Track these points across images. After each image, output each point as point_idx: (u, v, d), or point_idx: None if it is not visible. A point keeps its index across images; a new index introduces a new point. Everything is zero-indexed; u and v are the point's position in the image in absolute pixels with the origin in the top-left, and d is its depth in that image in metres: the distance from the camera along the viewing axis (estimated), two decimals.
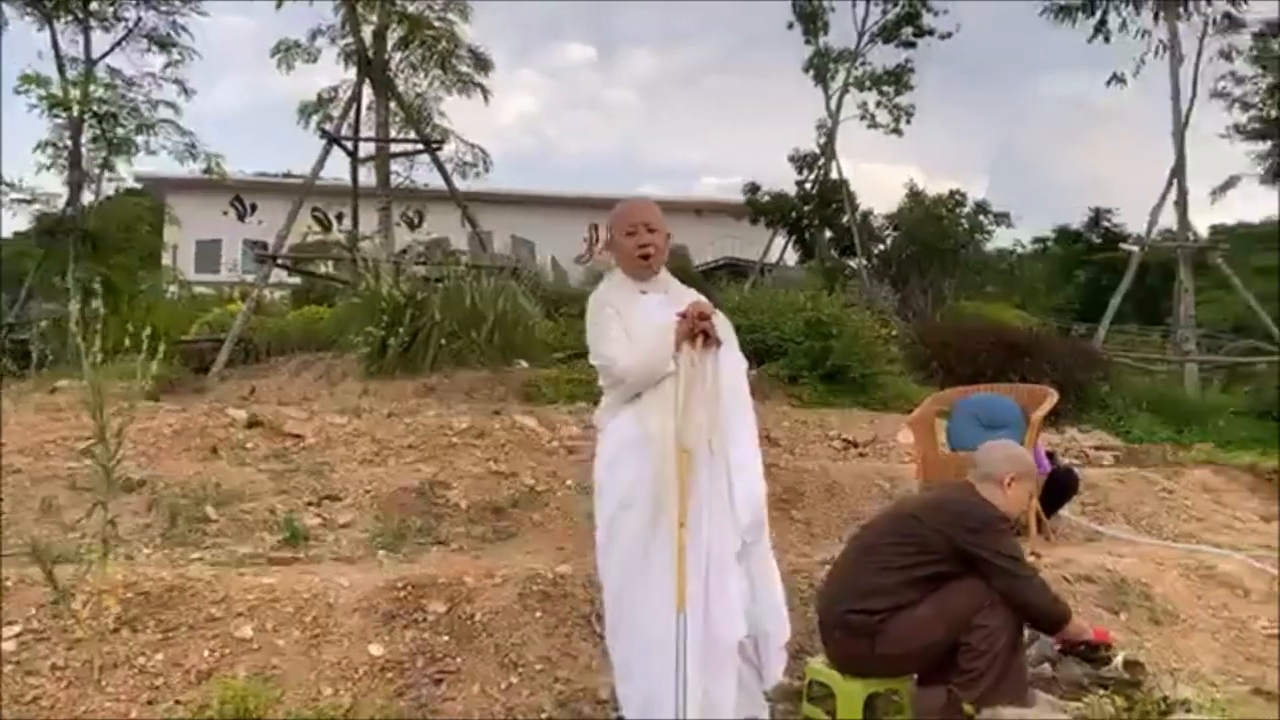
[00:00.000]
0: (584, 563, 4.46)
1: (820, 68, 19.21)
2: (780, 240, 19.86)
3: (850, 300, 12.08)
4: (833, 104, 19.08)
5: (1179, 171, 15.93)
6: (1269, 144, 27.81)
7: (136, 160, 16.00)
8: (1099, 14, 16.69)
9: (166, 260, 21.23)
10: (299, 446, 6.59)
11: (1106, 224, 26.68)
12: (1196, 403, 12.98)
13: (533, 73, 60.10)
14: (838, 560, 3.91)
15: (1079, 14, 16.92)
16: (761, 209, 19.52)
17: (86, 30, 15.22)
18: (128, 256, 16.47)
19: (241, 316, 10.82)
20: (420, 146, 13.77)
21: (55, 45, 15.01)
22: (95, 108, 14.78)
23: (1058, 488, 5.94)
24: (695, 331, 3.22)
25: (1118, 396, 11.48)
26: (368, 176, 14.10)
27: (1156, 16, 16.55)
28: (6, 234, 18.38)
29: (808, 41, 19.16)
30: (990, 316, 14.93)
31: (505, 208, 23.01)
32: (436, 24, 15.32)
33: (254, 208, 26.03)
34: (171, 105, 15.46)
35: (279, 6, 13.51)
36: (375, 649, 3.84)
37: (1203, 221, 28.48)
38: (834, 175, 19.09)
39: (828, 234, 19.54)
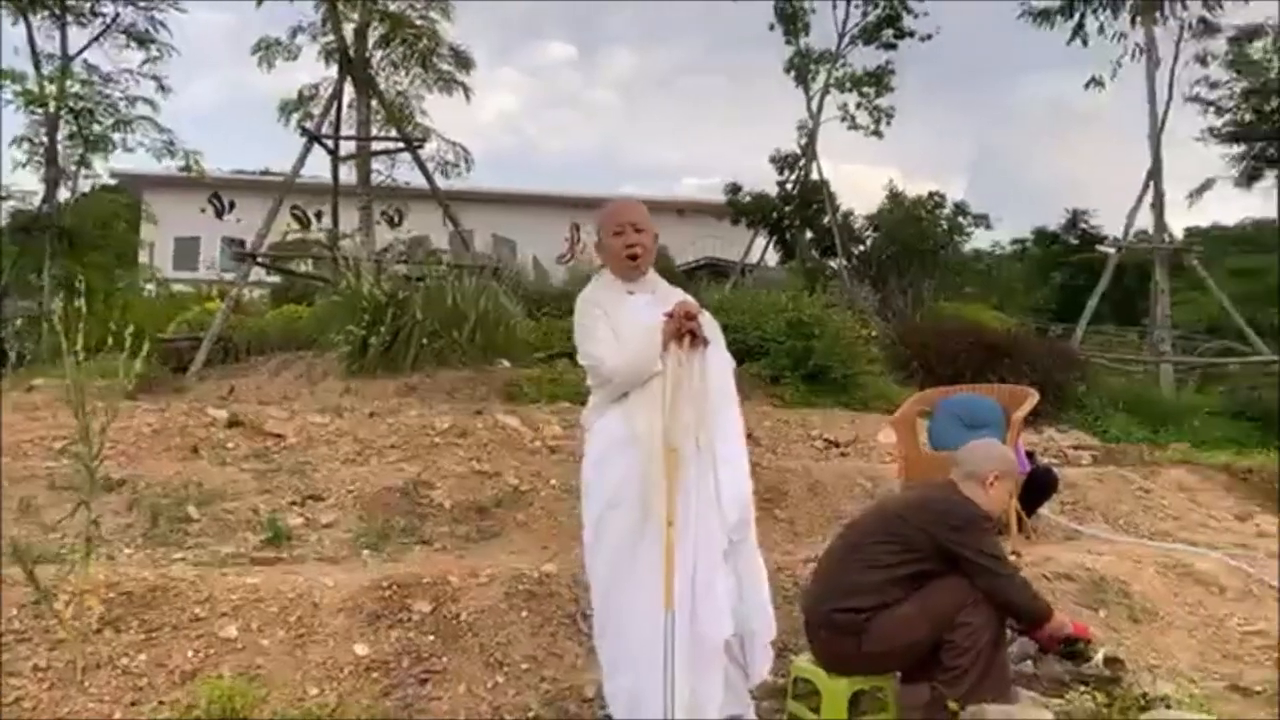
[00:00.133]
0: (569, 562, 4.47)
1: (801, 69, 19.25)
2: (761, 241, 19.89)
3: (831, 301, 12.13)
4: (813, 105, 19.15)
5: (1155, 174, 16.09)
6: (1243, 147, 28.20)
7: (113, 157, 15.92)
8: (1077, 17, 16.84)
9: (143, 258, 21.03)
10: (280, 446, 6.56)
11: (1084, 225, 26.90)
12: (1172, 403, 13.14)
13: (513, 71, 60.08)
14: (822, 559, 3.94)
15: (1057, 17, 17.08)
16: (742, 209, 19.57)
17: (63, 25, 15.11)
18: (104, 254, 16.37)
19: (220, 315, 10.74)
20: (401, 145, 13.72)
21: (31, 40, 14.90)
22: (72, 104, 14.69)
23: (1037, 487, 5.99)
24: (682, 331, 3.24)
25: (1095, 397, 11.60)
26: (348, 174, 14.05)
27: (1133, 20, 16.71)
28: None
29: (788, 42, 19.22)
30: (969, 317, 15.04)
31: (486, 206, 22.95)
32: (418, 22, 15.29)
33: (232, 205, 25.87)
34: (149, 102, 15.39)
35: (259, 5, 13.45)
36: (360, 649, 3.84)
37: (1178, 224, 28.79)
38: (815, 176, 19.16)
39: (808, 235, 19.60)
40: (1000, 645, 3.61)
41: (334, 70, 13.61)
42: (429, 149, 15.52)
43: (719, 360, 3.38)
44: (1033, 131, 59.22)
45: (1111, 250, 17.35)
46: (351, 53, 13.04)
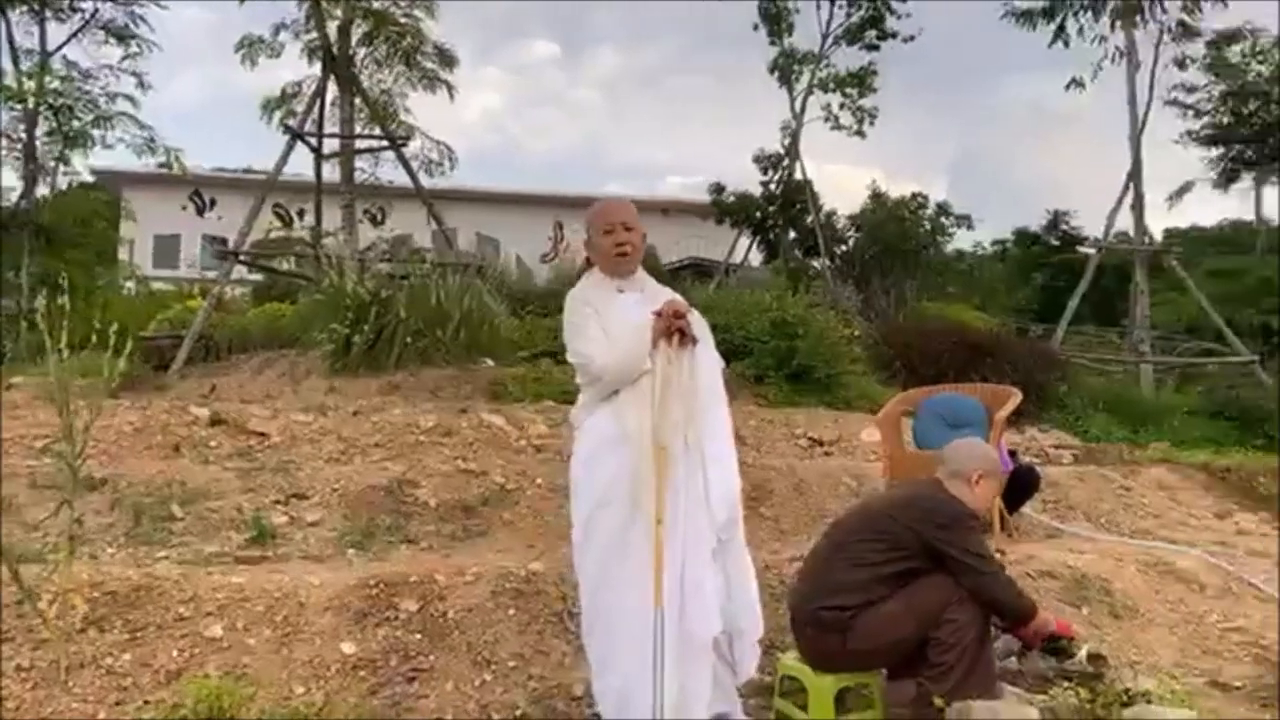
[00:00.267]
0: (556, 560, 4.48)
1: (785, 69, 19.29)
2: (745, 240, 19.93)
3: (814, 301, 12.17)
4: (797, 105, 19.18)
5: (1135, 175, 16.20)
6: (1221, 150, 28.51)
7: (93, 153, 15.79)
8: (1059, 19, 16.94)
9: (123, 255, 20.86)
10: (264, 445, 6.53)
11: (1064, 226, 27.06)
12: (1151, 403, 13.24)
13: (497, 70, 59.90)
14: (808, 558, 3.95)
15: (1039, 19, 17.17)
16: (726, 209, 19.60)
17: (42, 21, 15.00)
18: (83, 251, 16.24)
19: (202, 313, 10.69)
20: (385, 143, 13.67)
21: (9, 36, 14.77)
22: (50, 100, 14.55)
23: (1020, 486, 6.03)
24: (672, 329, 3.25)
25: (1075, 396, 11.69)
26: (331, 172, 14.00)
27: (1113, 24, 16.83)
28: None
29: (772, 43, 19.25)
30: (951, 317, 15.13)
31: (470, 205, 22.89)
32: (402, 19, 15.26)
33: (213, 203, 25.67)
34: (129, 98, 15.28)
35: (242, 2, 13.40)
36: (347, 647, 3.83)
37: (1157, 225, 29.10)
38: (798, 176, 19.21)
39: (792, 235, 19.65)
40: (985, 642, 3.64)
41: (317, 68, 13.57)
42: (413, 147, 15.54)
43: (708, 359, 3.40)
44: (1014, 133, 59.64)
45: (1092, 251, 17.45)
46: (335, 50, 13.00)
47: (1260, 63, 25.28)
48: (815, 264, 18.80)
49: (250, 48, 14.68)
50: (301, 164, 14.56)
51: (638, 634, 3.01)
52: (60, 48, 15.17)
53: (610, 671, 3.20)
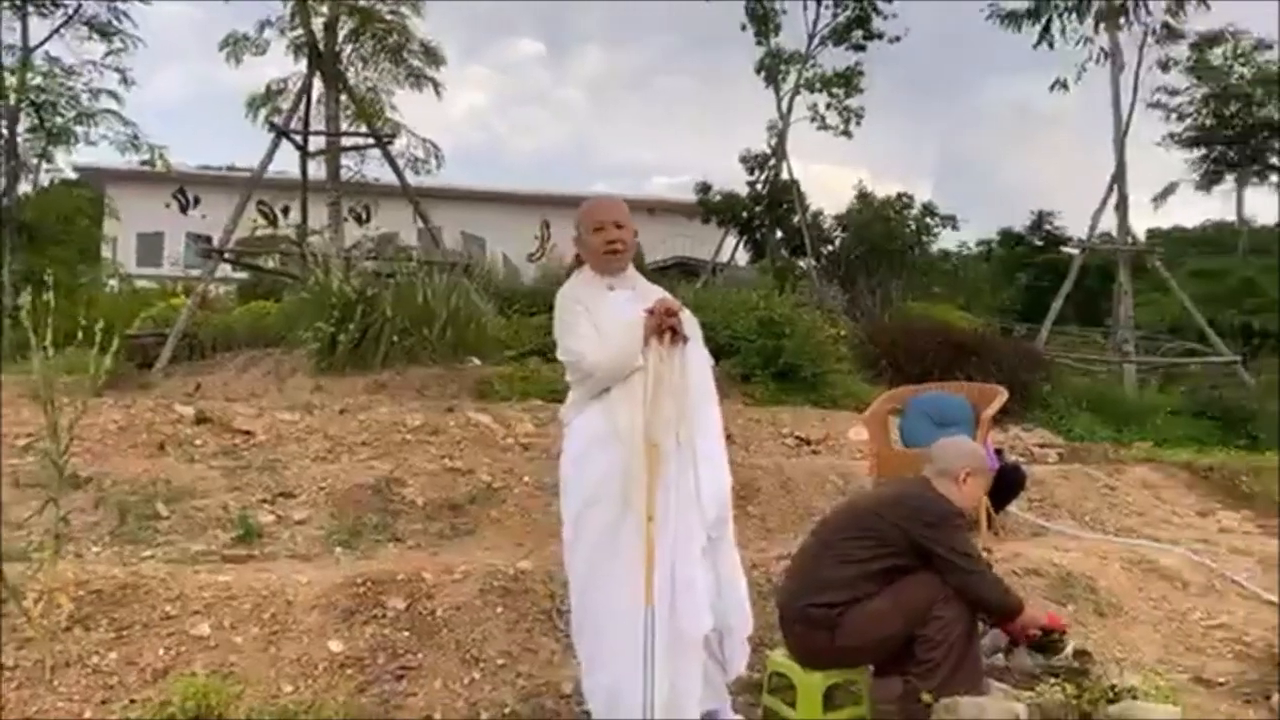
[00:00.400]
0: (544, 558, 4.48)
1: (771, 69, 19.34)
2: (731, 240, 19.97)
3: (801, 300, 12.21)
4: (784, 105, 19.24)
5: (1119, 176, 16.31)
6: (1203, 151, 28.75)
7: (76, 150, 15.69)
8: (1044, 20, 17.03)
9: (106, 253, 20.73)
10: (249, 443, 6.50)
11: (1048, 227, 27.21)
12: (1135, 402, 13.34)
13: (483, 68, 59.75)
14: (796, 556, 3.97)
15: (1024, 20, 17.26)
16: (713, 209, 19.63)
17: (24, 16, 14.88)
18: (66, 249, 16.14)
19: (186, 311, 10.62)
20: (371, 140, 13.62)
21: None
22: (33, 96, 14.45)
23: (1006, 484, 6.04)
24: (663, 327, 3.25)
25: (1059, 396, 11.77)
26: (317, 170, 13.94)
27: (1097, 25, 16.93)
28: None
29: (759, 43, 19.30)
30: (937, 317, 15.19)
31: (455, 203, 22.82)
32: (388, 16, 15.21)
33: (197, 201, 25.53)
34: (113, 94, 15.18)
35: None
36: (335, 645, 3.82)
37: (1141, 226, 29.31)
38: (785, 176, 19.26)
39: (778, 234, 19.70)
40: (972, 638, 3.66)
41: (303, 65, 13.50)
42: (399, 145, 15.49)
43: (699, 357, 3.40)
44: (999, 134, 59.90)
45: (1076, 251, 17.57)
46: (321, 47, 12.94)
47: (1243, 65, 25.53)
48: (801, 263, 18.85)
49: (235, 44, 14.62)
50: (287, 162, 14.57)
51: (628, 632, 3.01)
52: (43, 43, 15.08)
53: (600, 669, 3.19)
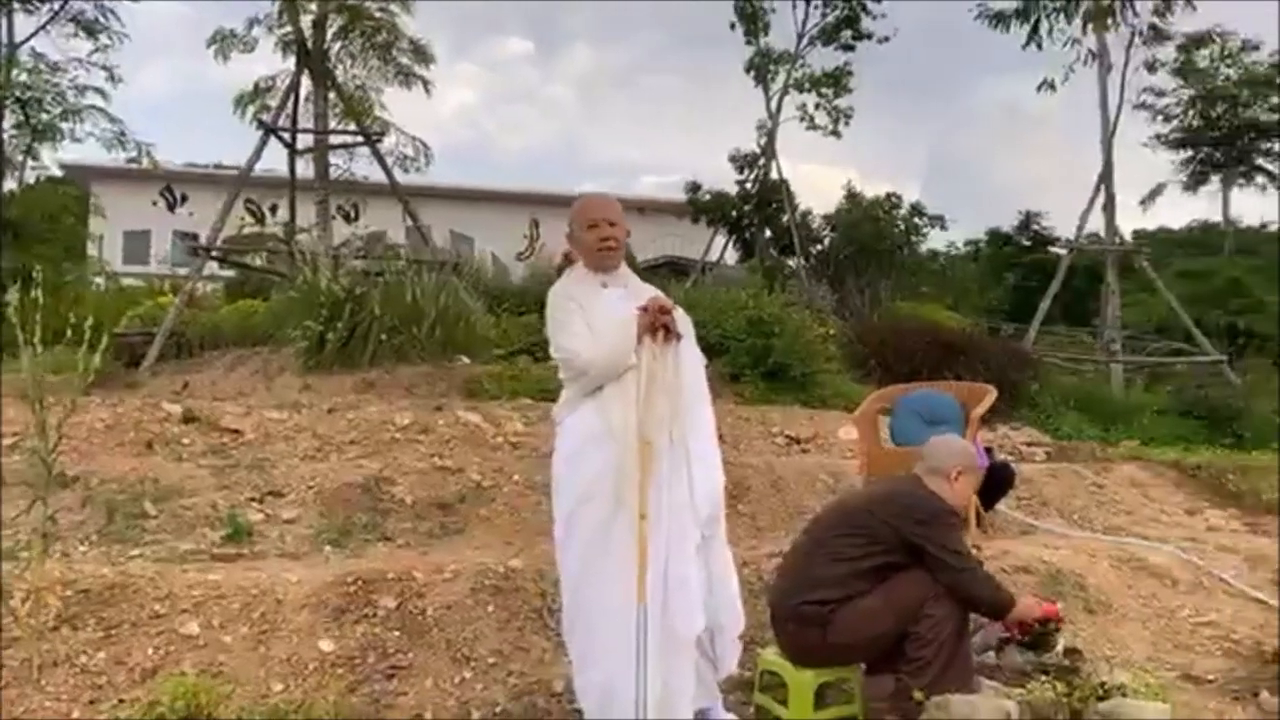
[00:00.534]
0: (534, 557, 4.47)
1: (761, 69, 19.32)
2: (721, 239, 19.97)
3: (790, 299, 12.22)
4: (773, 105, 19.21)
5: (1107, 177, 16.36)
6: (1190, 152, 28.92)
7: (62, 147, 15.60)
8: (1033, 21, 17.07)
9: (92, 251, 20.59)
10: (238, 442, 6.47)
11: (1036, 227, 27.30)
12: (1121, 401, 13.41)
13: (472, 66, 59.65)
14: (788, 554, 3.97)
15: (1013, 20, 17.30)
16: (702, 208, 19.62)
17: (9, 13, 14.79)
18: (51, 247, 16.04)
19: (174, 310, 10.57)
20: (360, 138, 13.58)
21: None
22: (18, 93, 14.35)
23: (995, 482, 6.05)
24: (657, 325, 3.24)
25: (1047, 395, 11.82)
26: (305, 168, 13.88)
27: (1085, 26, 16.98)
28: None
29: (748, 42, 19.25)
30: (925, 316, 15.22)
31: (444, 202, 22.77)
32: (377, 14, 15.15)
33: (184, 198, 25.37)
34: (99, 91, 15.09)
35: None
36: (325, 644, 3.80)
37: (1128, 226, 29.43)
38: (774, 175, 19.25)
39: (767, 234, 19.71)
40: (964, 636, 3.67)
41: (291, 62, 13.45)
42: (387, 143, 15.42)
43: (691, 356, 3.40)
44: (987, 134, 60.00)
45: (1063, 252, 17.63)
46: (309, 44, 12.89)
47: (1229, 66, 25.69)
48: (791, 263, 18.87)
49: (223, 42, 14.54)
50: (275, 159, 14.42)
51: (620, 630, 3.01)
52: (28, 39, 14.97)
53: (592, 667, 3.19)
